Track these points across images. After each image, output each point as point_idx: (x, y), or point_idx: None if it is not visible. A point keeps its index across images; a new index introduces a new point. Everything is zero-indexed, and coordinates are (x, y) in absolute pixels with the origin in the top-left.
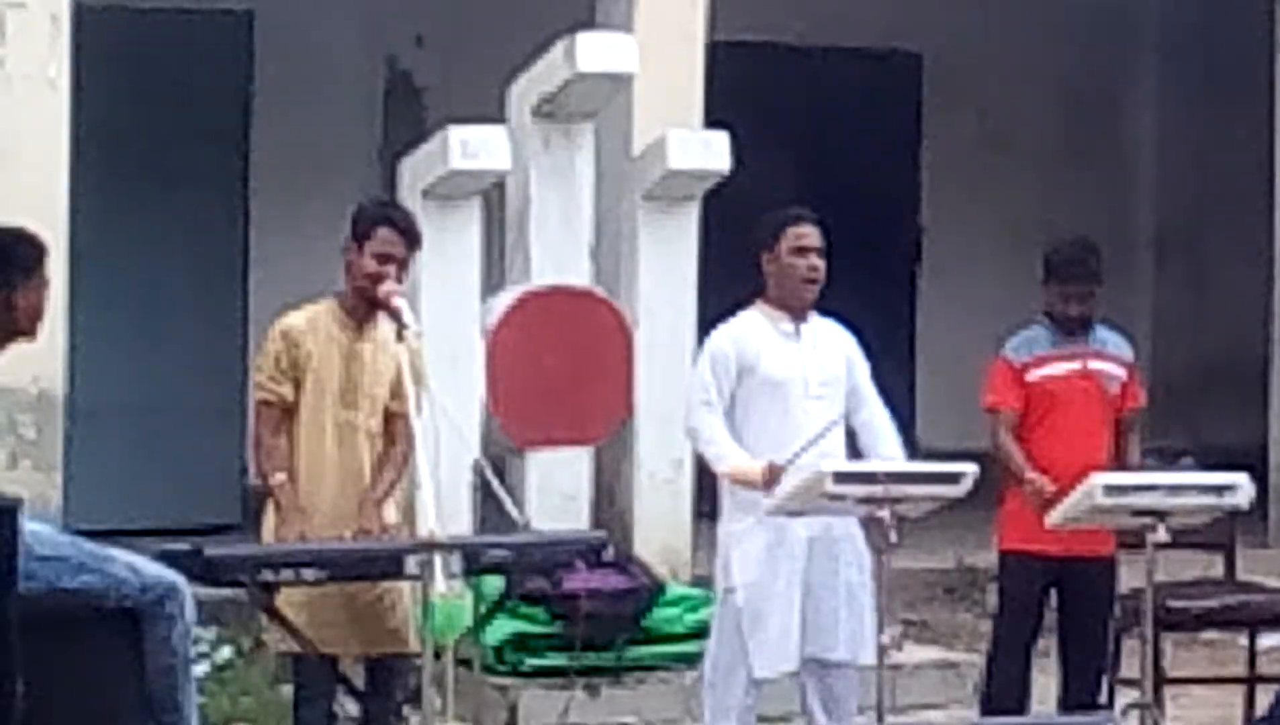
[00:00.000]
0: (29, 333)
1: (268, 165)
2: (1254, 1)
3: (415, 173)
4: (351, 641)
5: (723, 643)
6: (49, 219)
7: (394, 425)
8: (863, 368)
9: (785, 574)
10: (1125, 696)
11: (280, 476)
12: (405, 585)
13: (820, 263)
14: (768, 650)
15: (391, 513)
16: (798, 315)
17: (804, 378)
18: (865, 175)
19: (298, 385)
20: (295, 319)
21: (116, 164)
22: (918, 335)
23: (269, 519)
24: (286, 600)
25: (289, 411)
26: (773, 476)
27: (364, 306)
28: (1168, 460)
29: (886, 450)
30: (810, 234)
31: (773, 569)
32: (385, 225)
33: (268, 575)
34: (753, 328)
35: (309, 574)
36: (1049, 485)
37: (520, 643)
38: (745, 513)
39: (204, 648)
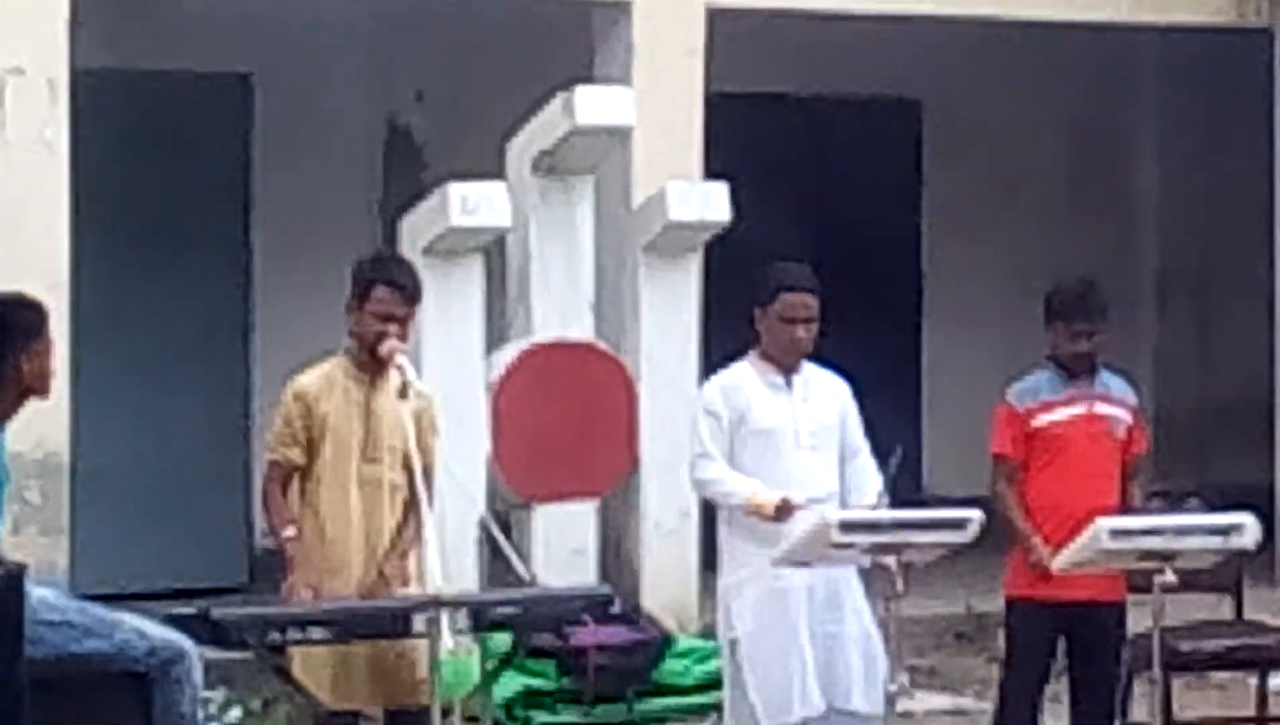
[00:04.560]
0: (40, 394)
1: (269, 225)
2: (1255, 47)
3: (416, 230)
4: (376, 695)
5: (733, 696)
6: (51, 282)
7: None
8: (854, 418)
9: (787, 623)
10: None
11: (290, 530)
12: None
13: (807, 332)
14: (773, 700)
15: (413, 564)
16: (788, 369)
17: (795, 429)
18: (867, 223)
19: (310, 448)
20: (308, 380)
21: (118, 227)
22: (922, 381)
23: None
24: (310, 657)
25: (300, 472)
26: (786, 510)
27: (373, 361)
28: (1174, 502)
29: (864, 503)
30: (798, 303)
31: (772, 619)
32: (383, 284)
33: (275, 636)
34: (743, 379)
35: (316, 633)
36: (1048, 558)
37: (530, 698)
38: (743, 565)
39: (213, 709)
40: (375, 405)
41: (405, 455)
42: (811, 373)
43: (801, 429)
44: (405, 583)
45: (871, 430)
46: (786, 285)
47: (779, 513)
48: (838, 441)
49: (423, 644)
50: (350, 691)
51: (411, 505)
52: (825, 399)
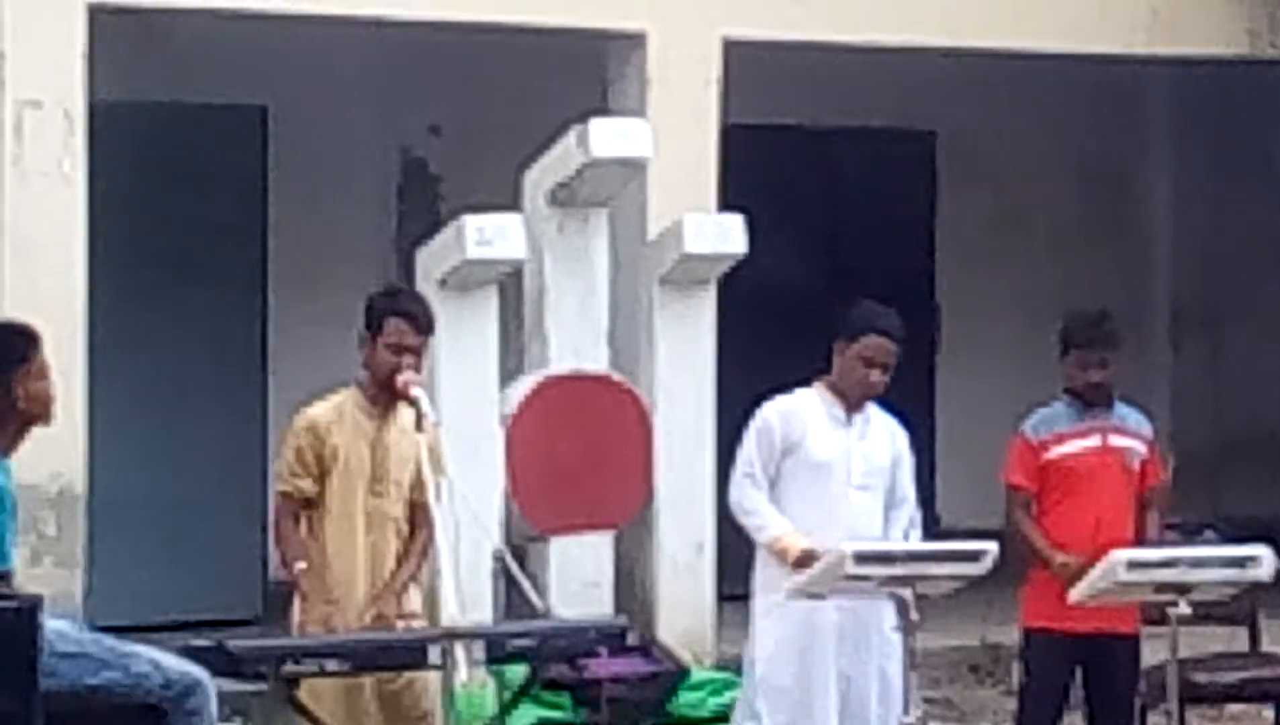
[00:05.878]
0: (42, 420)
1: (284, 257)
2: (1265, 78)
3: (431, 262)
4: None
5: (742, 709)
6: (67, 313)
7: (417, 513)
8: (907, 467)
9: (812, 655)
10: None
11: (301, 565)
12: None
13: (882, 377)
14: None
15: (415, 599)
16: (853, 405)
17: (847, 466)
18: (881, 255)
19: (321, 479)
20: (320, 412)
21: (133, 258)
22: (936, 414)
23: (296, 609)
24: (317, 688)
25: (309, 503)
26: (807, 561)
27: (385, 395)
28: (1189, 534)
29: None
30: (883, 348)
31: (797, 648)
32: (395, 316)
33: (291, 668)
34: (805, 406)
35: (332, 665)
36: (1078, 559)
37: None
38: (776, 589)
39: None
40: (384, 438)
41: (413, 488)
42: (873, 413)
43: (855, 467)
44: (405, 617)
45: None
46: (875, 328)
47: (800, 562)
48: (886, 485)
49: (430, 675)
50: (355, 723)
51: (425, 537)
52: (881, 441)
